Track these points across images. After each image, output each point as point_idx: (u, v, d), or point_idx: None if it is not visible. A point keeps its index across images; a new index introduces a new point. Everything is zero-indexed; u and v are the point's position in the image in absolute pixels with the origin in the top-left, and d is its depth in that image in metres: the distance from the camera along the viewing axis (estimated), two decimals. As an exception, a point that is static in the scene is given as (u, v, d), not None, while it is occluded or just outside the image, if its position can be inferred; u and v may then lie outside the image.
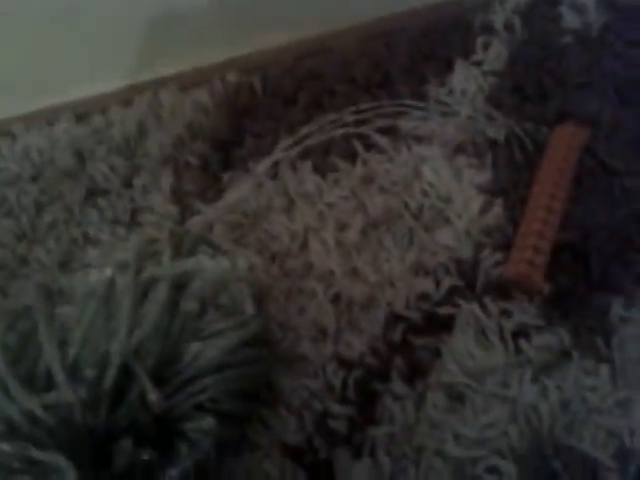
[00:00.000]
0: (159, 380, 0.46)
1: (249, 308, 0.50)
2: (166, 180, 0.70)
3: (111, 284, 0.48)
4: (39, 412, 0.42)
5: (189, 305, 0.48)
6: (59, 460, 0.41)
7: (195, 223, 0.65)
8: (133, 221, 0.68)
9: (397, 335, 0.56)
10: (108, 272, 0.49)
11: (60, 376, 0.43)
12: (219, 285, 0.50)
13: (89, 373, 0.43)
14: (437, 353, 0.55)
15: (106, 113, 0.77)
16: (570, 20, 0.76)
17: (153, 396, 0.44)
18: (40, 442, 0.42)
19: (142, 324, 0.46)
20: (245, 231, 0.65)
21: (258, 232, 0.65)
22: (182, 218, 0.67)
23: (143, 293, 0.48)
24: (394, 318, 0.57)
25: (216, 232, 0.65)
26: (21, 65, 0.77)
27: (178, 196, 0.69)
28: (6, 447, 0.41)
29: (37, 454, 0.41)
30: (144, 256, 0.50)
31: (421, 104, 0.70)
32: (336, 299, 0.59)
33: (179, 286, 0.49)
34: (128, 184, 0.71)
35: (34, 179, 0.73)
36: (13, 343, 0.46)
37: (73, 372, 0.44)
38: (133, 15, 0.76)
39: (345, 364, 0.56)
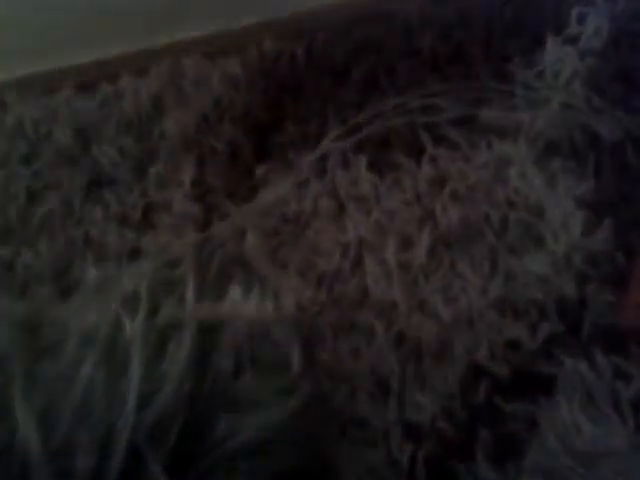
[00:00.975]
0: (177, 465, 0.34)
1: (297, 365, 0.38)
2: (187, 170, 0.57)
3: (116, 328, 0.36)
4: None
5: (222, 362, 0.36)
6: None
7: (222, 229, 0.52)
8: (145, 221, 0.55)
9: (480, 395, 0.44)
10: (112, 309, 0.36)
11: (40, 466, 0.31)
12: (259, 333, 0.37)
13: (84, 462, 0.31)
14: (533, 423, 0.43)
15: (116, 82, 0.64)
16: (691, -9, 0.61)
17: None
18: None
19: (160, 389, 0.34)
20: (284, 242, 0.53)
21: (300, 244, 0.52)
22: (205, 220, 0.54)
23: (160, 343, 0.35)
24: (475, 372, 0.45)
25: (248, 241, 0.52)
26: (15, 21, 0.63)
27: (201, 192, 0.56)
28: None
29: None
30: (161, 287, 0.38)
31: (505, 88, 0.57)
32: (400, 341, 0.47)
33: (208, 334, 0.36)
34: (140, 173, 0.58)
35: (27, 160, 0.60)
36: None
37: (60, 458, 0.32)
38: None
39: (413, 432, 0.43)
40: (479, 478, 0.41)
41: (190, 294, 0.37)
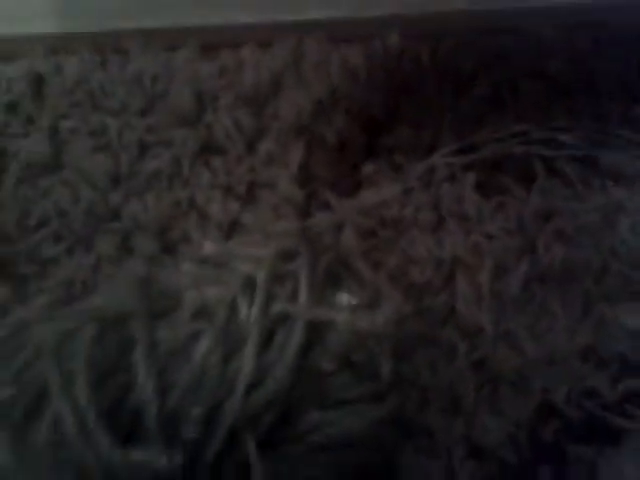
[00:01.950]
0: (267, 448, 0.36)
1: (387, 377, 0.39)
2: (296, 154, 0.58)
3: (233, 310, 0.37)
4: (119, 469, 0.33)
5: (322, 361, 0.37)
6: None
7: (322, 220, 0.53)
8: (249, 196, 0.57)
9: (548, 433, 0.45)
10: (231, 291, 0.38)
11: (154, 429, 0.33)
12: (357, 340, 0.39)
13: (190, 433, 0.34)
14: (593, 470, 0.43)
15: (238, 51, 0.64)
16: None
17: (259, 477, 0.34)
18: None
19: (265, 378, 0.35)
20: (380, 244, 0.53)
21: (395, 250, 0.53)
22: (307, 208, 0.56)
23: (271, 334, 0.37)
24: (548, 410, 0.46)
25: (344, 236, 0.53)
26: None
27: (306, 177, 0.57)
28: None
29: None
30: (275, 278, 0.39)
31: (633, 136, 0.55)
32: (479, 365, 0.48)
33: (314, 333, 0.38)
34: (251, 147, 0.59)
35: (142, 113, 0.62)
36: (99, 361, 0.36)
37: (170, 426, 0.34)
38: None
39: (476, 452, 0.45)
40: (536, 514, 0.42)
41: (303, 292, 0.39)
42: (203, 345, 0.36)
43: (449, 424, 0.46)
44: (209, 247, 0.44)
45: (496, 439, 0.45)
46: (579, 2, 0.64)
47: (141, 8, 0.67)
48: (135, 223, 0.55)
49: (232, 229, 0.54)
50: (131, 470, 0.33)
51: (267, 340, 0.37)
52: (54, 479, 0.33)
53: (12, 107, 0.63)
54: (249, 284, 0.38)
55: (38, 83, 0.64)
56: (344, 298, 0.40)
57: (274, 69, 0.62)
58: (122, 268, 0.47)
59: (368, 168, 0.57)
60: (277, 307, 0.38)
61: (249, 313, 0.37)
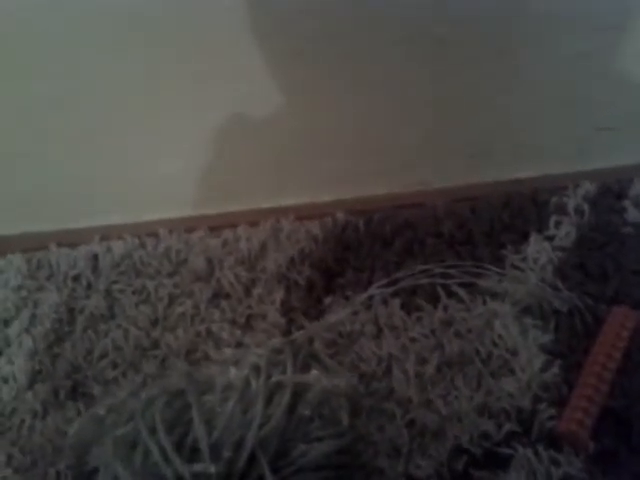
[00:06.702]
0: (272, 468, 0.58)
1: (345, 421, 0.62)
2: (278, 294, 0.85)
3: (247, 383, 0.61)
4: (187, 477, 0.54)
5: (304, 411, 0.61)
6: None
7: (299, 336, 0.78)
8: (247, 325, 0.82)
9: (460, 465, 0.67)
10: (245, 372, 0.62)
11: (206, 451, 0.55)
12: (325, 398, 0.63)
13: (226, 453, 0.56)
14: (493, 488, 0.65)
15: (236, 229, 0.94)
16: (632, 214, 0.90)
17: (270, 480, 0.56)
18: (183, 501, 0.54)
19: (268, 422, 0.58)
20: (339, 349, 0.78)
21: (350, 352, 0.78)
22: (288, 329, 0.81)
23: (270, 394, 0.61)
24: (459, 450, 0.68)
25: (315, 346, 0.78)
26: (188, 178, 0.94)
27: (286, 310, 0.83)
28: (158, 500, 0.53)
29: (181, 510, 0.53)
30: (272, 363, 0.64)
31: (499, 269, 0.84)
32: (411, 424, 0.71)
33: (297, 394, 0.61)
34: (247, 292, 0.86)
35: (170, 275, 0.89)
36: (169, 417, 0.59)
37: (214, 450, 0.56)
38: (265, 152, 0.93)
39: (413, 482, 0.66)
40: (454, 518, 0.63)
41: (289, 369, 0.63)
42: (230, 404, 0.59)
43: (393, 464, 0.67)
44: (228, 351, 0.68)
45: (426, 472, 0.67)
46: (462, 182, 0.97)
47: (168, 203, 0.97)
48: (170, 350, 0.80)
49: (237, 348, 0.79)
50: (193, 477, 0.55)
51: (269, 399, 0.61)
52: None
53: (76, 278, 0.90)
54: (256, 367, 0.63)
55: (95, 260, 0.92)
56: (314, 373, 0.64)
57: (261, 239, 0.91)
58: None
59: (328, 300, 0.84)
60: (274, 379, 0.62)
61: (257, 384, 0.61)
